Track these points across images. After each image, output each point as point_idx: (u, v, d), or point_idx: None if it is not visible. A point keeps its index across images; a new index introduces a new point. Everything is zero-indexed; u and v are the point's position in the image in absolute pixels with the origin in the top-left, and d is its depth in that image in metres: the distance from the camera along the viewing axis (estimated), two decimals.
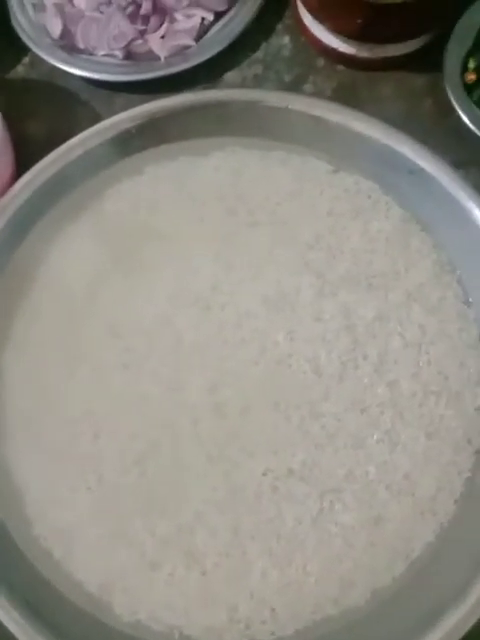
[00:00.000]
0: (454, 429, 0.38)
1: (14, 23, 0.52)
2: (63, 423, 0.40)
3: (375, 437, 0.38)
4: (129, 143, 0.44)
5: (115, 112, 0.46)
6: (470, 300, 0.41)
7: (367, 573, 0.37)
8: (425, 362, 0.40)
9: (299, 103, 0.42)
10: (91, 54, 0.51)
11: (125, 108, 0.46)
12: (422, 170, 0.41)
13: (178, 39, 0.50)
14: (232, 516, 0.38)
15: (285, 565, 0.37)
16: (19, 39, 0.52)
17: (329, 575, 0.36)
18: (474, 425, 0.39)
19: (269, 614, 0.36)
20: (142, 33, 0.50)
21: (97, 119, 0.48)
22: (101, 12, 0.51)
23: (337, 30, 0.46)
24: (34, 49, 0.51)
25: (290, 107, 0.42)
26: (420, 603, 0.36)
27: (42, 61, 0.52)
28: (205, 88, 0.49)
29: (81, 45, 0.51)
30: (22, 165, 0.47)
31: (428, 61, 0.48)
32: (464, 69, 0.46)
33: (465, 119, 0.44)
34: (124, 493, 0.38)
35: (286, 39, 0.52)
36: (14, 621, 0.35)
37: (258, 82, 0.51)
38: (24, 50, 0.53)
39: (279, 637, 0.36)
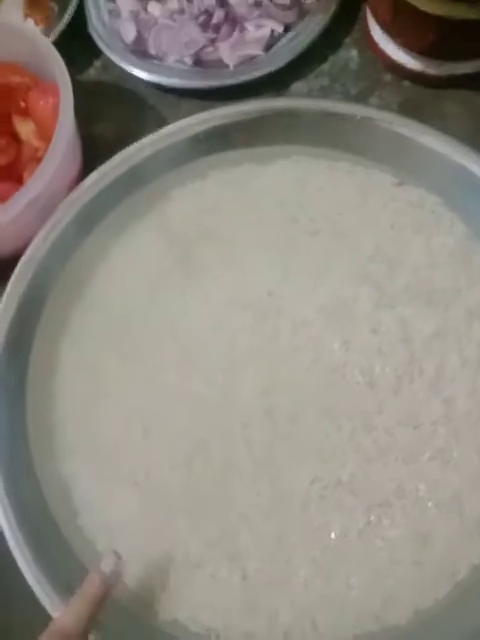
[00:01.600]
0: None
1: (90, 28, 0.54)
2: (115, 416, 0.40)
3: (427, 454, 0.38)
4: (196, 147, 0.44)
5: (181, 117, 0.47)
6: None
7: (411, 591, 0.36)
8: None
9: (369, 114, 0.42)
10: (161, 60, 0.53)
11: (191, 114, 0.47)
12: None
13: (247, 49, 0.51)
14: (277, 522, 0.37)
15: (328, 576, 0.36)
16: (93, 43, 0.54)
17: (372, 590, 0.36)
18: None
19: (309, 625, 0.36)
20: (212, 41, 0.51)
21: (163, 123, 0.49)
22: (174, 20, 0.52)
23: (408, 46, 0.46)
24: (107, 53, 0.53)
25: (359, 117, 0.42)
26: (463, 626, 0.35)
27: (114, 65, 0.53)
28: (274, 97, 0.50)
29: (152, 51, 0.52)
30: (89, 164, 0.48)
31: None
32: None
33: None
34: (170, 491, 0.39)
35: (354, 53, 0.52)
36: (57, 609, 0.35)
37: (324, 94, 0.51)
38: (97, 54, 0.55)
39: None
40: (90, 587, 0.32)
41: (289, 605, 0.36)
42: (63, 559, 0.37)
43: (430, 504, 0.37)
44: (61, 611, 0.33)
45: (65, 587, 0.36)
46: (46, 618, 0.34)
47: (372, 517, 0.37)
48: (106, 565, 0.33)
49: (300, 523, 0.37)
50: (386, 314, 0.40)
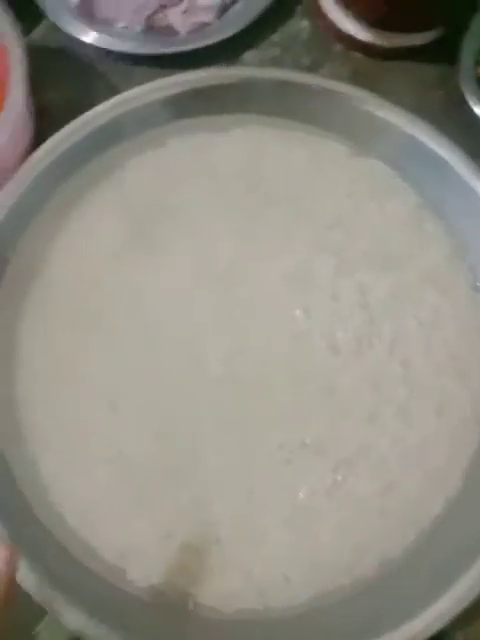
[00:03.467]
0: (462, 406, 0.40)
1: None
2: (80, 393, 0.40)
3: (388, 412, 0.40)
4: (153, 115, 0.44)
5: (132, 85, 0.46)
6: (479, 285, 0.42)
7: (378, 542, 0.38)
8: (437, 341, 0.41)
9: (322, 84, 0.43)
10: (110, 25, 0.51)
11: (142, 82, 0.46)
12: (439, 157, 0.42)
13: (199, 16, 0.50)
14: (247, 487, 0.38)
15: (298, 534, 0.38)
16: (35, 5, 0.51)
17: (342, 544, 0.38)
18: None
19: (283, 581, 0.37)
20: (163, 7, 0.50)
21: (115, 91, 0.47)
22: None
23: (361, 16, 0.46)
24: (51, 16, 0.51)
25: (314, 87, 0.43)
26: (428, 572, 0.37)
27: (59, 29, 0.51)
28: (225, 66, 0.49)
29: (100, 15, 0.50)
30: (38, 135, 0.46)
31: (442, 53, 0.50)
32: (477, 63, 0.47)
33: (477, 111, 0.46)
34: (140, 463, 0.39)
35: (305, 23, 0.52)
36: (31, 583, 0.34)
37: (276, 64, 0.51)
38: (40, 17, 0.52)
39: (292, 604, 0.37)
40: None
41: (262, 564, 0.37)
42: (36, 536, 0.37)
43: (392, 459, 0.39)
44: None
45: (42, 565, 0.35)
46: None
47: (338, 475, 0.38)
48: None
49: (269, 486, 0.38)
50: (345, 280, 0.42)
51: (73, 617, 0.34)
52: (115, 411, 0.39)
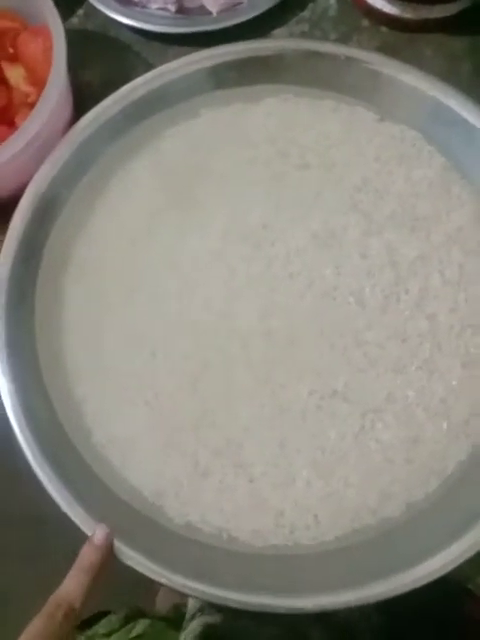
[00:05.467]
0: None
1: None
2: (121, 342, 0.42)
3: (414, 365, 0.41)
4: (187, 87, 0.46)
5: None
6: None
7: (403, 487, 0.39)
8: (462, 299, 0.42)
9: (350, 54, 0.45)
10: (144, 7, 0.54)
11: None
12: (465, 121, 0.43)
13: None
14: (279, 431, 0.40)
15: (328, 476, 0.39)
16: None
17: (368, 487, 0.39)
18: None
19: (312, 520, 0.39)
20: None
21: (150, 69, 0.50)
22: None
23: None
24: (91, 1, 0.53)
25: (342, 57, 0.45)
26: (451, 517, 0.38)
27: (97, 12, 0.54)
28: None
29: None
30: (79, 112, 0.49)
31: (469, 24, 0.51)
32: None
33: None
34: (178, 407, 0.41)
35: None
36: (79, 517, 0.37)
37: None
38: (79, 1, 0.55)
39: (320, 542, 0.39)
40: (86, 559, 0.35)
41: (293, 504, 0.39)
42: (82, 477, 0.39)
43: (419, 409, 0.40)
44: (62, 583, 0.35)
45: (88, 505, 0.38)
46: (81, 540, 0.37)
47: (366, 422, 0.40)
48: (98, 538, 0.35)
49: (300, 430, 0.40)
50: (374, 240, 0.43)
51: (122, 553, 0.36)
52: (154, 358, 0.42)
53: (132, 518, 0.39)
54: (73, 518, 0.37)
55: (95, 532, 0.36)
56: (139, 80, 0.45)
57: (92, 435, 0.41)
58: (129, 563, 0.37)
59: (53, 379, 0.41)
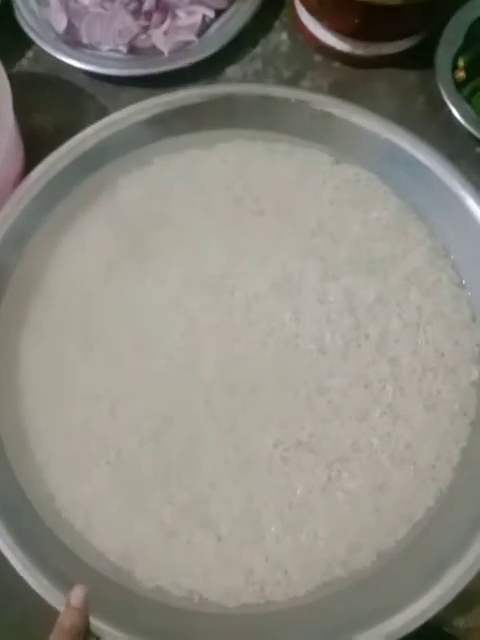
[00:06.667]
0: (451, 402, 0.41)
1: (18, 17, 0.53)
2: (80, 401, 0.42)
3: (378, 411, 0.41)
4: (140, 135, 0.45)
5: (121, 106, 0.48)
6: (463, 283, 0.44)
7: (373, 536, 0.39)
8: (423, 340, 0.42)
9: (302, 97, 0.45)
10: (95, 49, 0.53)
11: (130, 102, 0.47)
12: (419, 162, 0.44)
13: (180, 35, 0.52)
14: (245, 486, 0.40)
15: (296, 531, 0.39)
16: (22, 33, 0.53)
17: (338, 539, 0.39)
18: (469, 399, 0.41)
19: (283, 576, 0.39)
20: (145, 29, 0.52)
21: (103, 113, 0.50)
22: (105, 8, 0.53)
23: (335, 28, 0.48)
24: (39, 43, 0.53)
25: (294, 100, 0.44)
26: (422, 563, 0.38)
27: (47, 55, 0.53)
28: (209, 83, 0.51)
29: (85, 40, 0.52)
30: (31, 158, 0.48)
31: (420, 59, 0.51)
32: (454, 67, 0.48)
33: (456, 114, 0.47)
34: (141, 465, 0.40)
35: (284, 36, 0.54)
36: (43, 588, 0.36)
37: (258, 78, 0.53)
38: (28, 44, 0.54)
39: (292, 597, 0.38)
40: (67, 621, 0.33)
41: (263, 560, 0.39)
42: (46, 543, 0.38)
43: (384, 456, 0.40)
44: None
45: (53, 571, 0.37)
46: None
47: (332, 473, 0.40)
48: (75, 599, 0.33)
49: (266, 484, 0.40)
50: (331, 285, 0.43)
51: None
52: (115, 416, 0.41)
53: (98, 584, 0.38)
54: (36, 588, 0.36)
55: (72, 593, 0.34)
56: (89, 130, 0.44)
57: (55, 501, 0.40)
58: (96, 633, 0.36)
59: (12, 443, 0.40)
